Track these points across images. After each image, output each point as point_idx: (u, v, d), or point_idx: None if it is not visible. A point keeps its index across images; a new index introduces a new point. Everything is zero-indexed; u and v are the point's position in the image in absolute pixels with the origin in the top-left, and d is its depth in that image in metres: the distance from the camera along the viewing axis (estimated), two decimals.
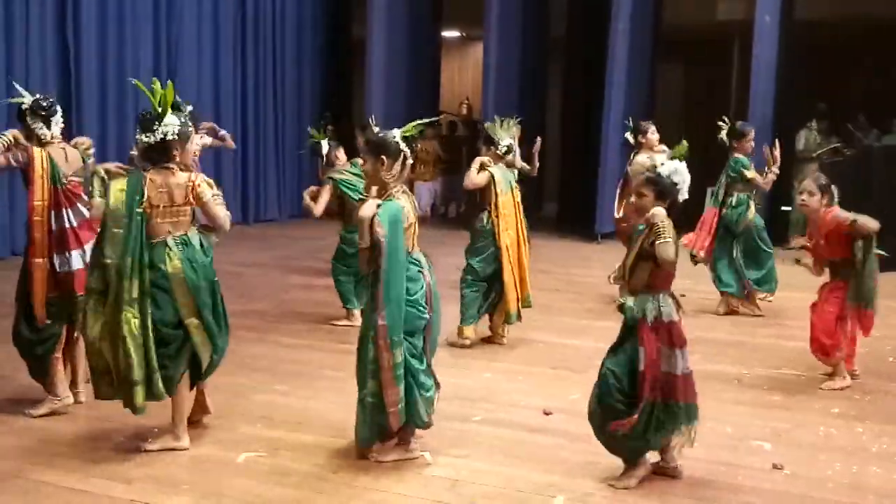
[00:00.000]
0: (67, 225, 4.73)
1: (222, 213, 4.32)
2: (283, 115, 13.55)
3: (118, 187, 4.12)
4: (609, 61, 11.58)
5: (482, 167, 6.16)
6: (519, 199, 6.32)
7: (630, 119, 8.35)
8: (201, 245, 4.28)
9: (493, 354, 6.19)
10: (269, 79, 13.26)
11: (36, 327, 4.74)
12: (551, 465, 4.22)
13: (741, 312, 7.46)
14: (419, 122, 4.29)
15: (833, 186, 5.43)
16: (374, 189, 4.23)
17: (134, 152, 4.24)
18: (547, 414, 4.93)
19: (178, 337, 4.19)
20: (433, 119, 4.47)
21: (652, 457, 4.10)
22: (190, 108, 4.38)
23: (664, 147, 7.49)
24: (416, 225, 4.23)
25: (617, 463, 4.09)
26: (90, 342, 4.17)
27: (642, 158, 7.10)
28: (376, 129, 4.44)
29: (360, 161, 6.28)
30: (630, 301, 3.93)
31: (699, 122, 14.62)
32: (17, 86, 5.00)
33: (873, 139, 11.20)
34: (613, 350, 4.03)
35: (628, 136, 7.98)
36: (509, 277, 6.19)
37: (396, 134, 4.17)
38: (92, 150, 5.00)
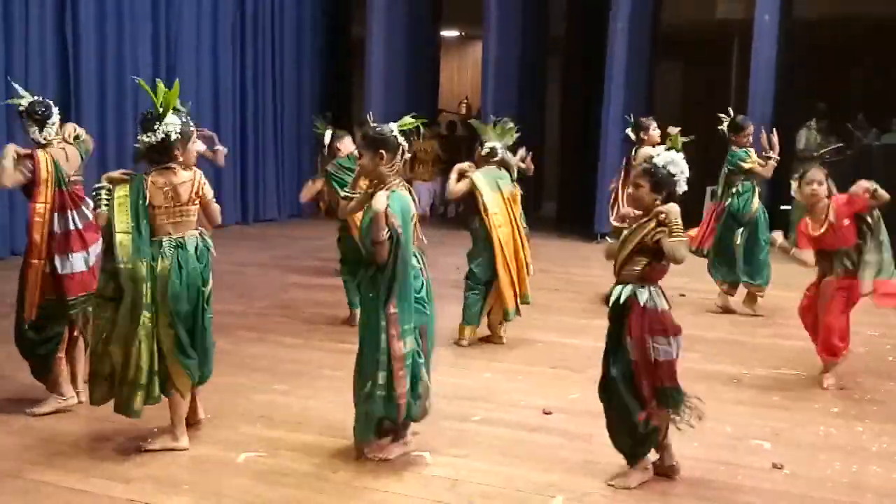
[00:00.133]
0: (72, 227, 4.73)
1: (218, 209, 4.42)
2: (283, 114, 13.55)
3: (121, 193, 4.12)
4: (608, 60, 11.58)
5: (461, 175, 6.18)
6: (516, 196, 6.32)
7: (631, 115, 8.34)
8: (196, 249, 4.25)
9: (492, 354, 6.19)
10: (269, 79, 13.25)
11: (39, 327, 4.74)
12: (551, 464, 4.22)
13: (740, 312, 7.46)
14: (415, 116, 4.29)
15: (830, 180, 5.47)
16: (361, 183, 4.27)
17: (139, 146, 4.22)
18: (546, 413, 4.92)
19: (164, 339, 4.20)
20: (430, 120, 4.45)
21: (650, 456, 4.10)
22: (184, 109, 4.37)
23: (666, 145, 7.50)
24: (417, 220, 4.25)
25: (616, 461, 4.09)
26: (95, 347, 4.17)
27: (645, 153, 7.08)
28: (373, 125, 4.40)
29: (356, 155, 6.30)
30: (621, 290, 3.92)
31: (698, 121, 14.62)
32: (16, 86, 4.99)
33: (873, 138, 11.21)
34: (612, 352, 3.98)
35: (629, 132, 7.98)
36: (504, 275, 6.19)
37: (394, 128, 4.18)
38: (83, 136, 4.97)
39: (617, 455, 4.09)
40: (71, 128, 4.95)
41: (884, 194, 5.25)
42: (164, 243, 4.16)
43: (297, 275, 8.88)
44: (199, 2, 11.92)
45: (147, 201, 4.10)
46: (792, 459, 4.32)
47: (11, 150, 4.65)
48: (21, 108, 4.75)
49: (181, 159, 4.21)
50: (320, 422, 4.69)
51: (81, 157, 4.89)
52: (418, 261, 4.23)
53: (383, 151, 4.09)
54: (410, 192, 4.22)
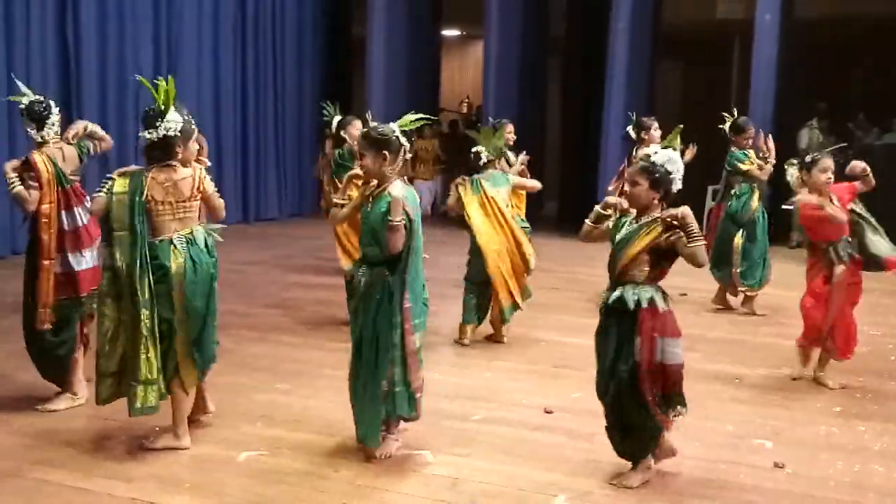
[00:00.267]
0: (80, 224, 4.76)
1: (222, 204, 4.43)
2: (284, 114, 13.54)
3: (119, 189, 4.11)
4: (609, 60, 11.58)
5: (455, 190, 6.34)
6: (500, 195, 6.29)
7: (633, 113, 8.33)
8: (206, 244, 4.28)
9: (494, 353, 6.19)
10: (270, 78, 13.25)
11: (58, 328, 4.76)
12: (552, 463, 4.21)
13: (741, 312, 7.46)
14: (415, 116, 4.27)
15: None
16: (351, 189, 4.25)
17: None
18: (548, 412, 4.92)
19: (172, 336, 4.19)
20: (431, 118, 4.43)
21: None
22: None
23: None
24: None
25: (617, 460, 4.09)
26: (102, 344, 4.17)
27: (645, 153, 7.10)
28: (373, 124, 4.38)
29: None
30: (628, 291, 3.87)
31: (699, 121, 14.63)
32: (20, 83, 4.98)
33: (874, 138, 11.20)
34: (617, 353, 3.92)
35: (630, 130, 7.98)
36: (496, 273, 6.18)
37: (395, 128, 4.17)
38: (99, 134, 4.97)
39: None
40: (81, 127, 4.95)
41: (871, 179, 5.39)
42: (174, 241, 4.16)
43: (297, 274, 8.88)
44: (200, 2, 11.92)
45: (145, 198, 4.09)
46: (793, 458, 4.32)
47: (9, 170, 4.64)
48: (21, 107, 4.76)
49: (181, 157, 4.21)
50: (321, 421, 4.69)
51: (81, 159, 4.89)
52: None
53: (386, 152, 4.08)
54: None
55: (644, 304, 3.84)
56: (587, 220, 4.11)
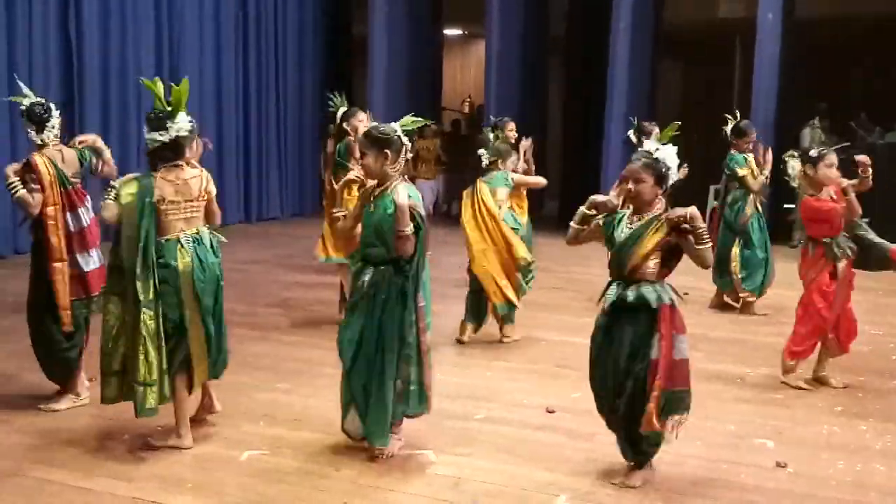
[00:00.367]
0: (85, 224, 4.80)
1: (219, 210, 4.47)
2: (285, 114, 13.55)
3: (128, 191, 4.11)
4: (610, 59, 11.58)
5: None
6: (497, 195, 6.29)
7: (634, 118, 8.34)
8: (211, 244, 4.30)
9: (495, 353, 6.19)
10: (271, 77, 13.26)
11: (69, 332, 4.78)
12: (554, 463, 4.21)
13: (743, 312, 7.46)
14: (417, 119, 4.27)
15: None
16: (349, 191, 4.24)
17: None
18: (550, 412, 4.92)
19: (177, 335, 4.20)
20: (430, 121, 4.41)
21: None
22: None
23: None
24: None
25: (618, 460, 4.09)
26: (105, 345, 4.18)
27: None
28: (376, 124, 4.37)
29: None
30: (647, 289, 3.84)
31: (700, 120, 14.63)
32: (22, 84, 4.98)
33: (876, 137, 11.19)
34: (632, 356, 3.86)
35: (631, 134, 7.98)
36: (481, 272, 6.20)
37: (397, 127, 4.17)
38: (98, 144, 4.98)
39: (619, 453, 4.08)
40: (91, 139, 5.00)
41: (869, 180, 5.46)
42: (181, 240, 4.18)
43: (299, 273, 8.88)
44: (202, 2, 11.93)
45: (155, 199, 4.10)
46: (795, 458, 4.32)
47: (11, 173, 4.63)
48: (22, 108, 4.76)
49: (188, 156, 4.23)
50: (322, 420, 4.69)
51: (81, 162, 4.89)
52: None
53: (388, 151, 4.08)
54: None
55: (666, 301, 3.84)
56: (572, 223, 4.02)
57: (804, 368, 5.58)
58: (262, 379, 5.44)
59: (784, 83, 11.29)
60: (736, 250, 7.41)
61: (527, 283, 6.43)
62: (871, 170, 5.39)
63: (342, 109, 6.84)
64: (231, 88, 12.51)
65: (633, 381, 3.85)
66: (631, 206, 3.98)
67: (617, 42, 11.52)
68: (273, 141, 13.39)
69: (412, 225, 4.01)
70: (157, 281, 4.10)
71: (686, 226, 3.76)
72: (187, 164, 4.26)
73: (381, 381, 4.11)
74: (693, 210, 3.77)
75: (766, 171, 7.37)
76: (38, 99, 4.84)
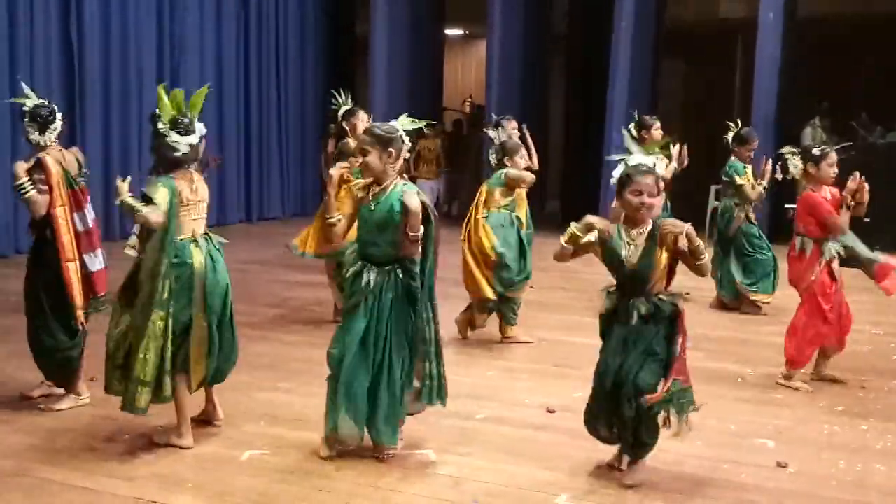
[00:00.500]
0: (91, 225, 4.82)
1: None
2: (287, 113, 13.57)
3: (162, 193, 4.10)
4: (611, 59, 11.59)
5: None
6: (493, 194, 6.32)
7: (636, 111, 8.33)
8: (216, 245, 4.34)
9: (495, 352, 6.19)
10: (272, 78, 13.27)
11: (73, 332, 4.78)
12: (554, 462, 4.22)
13: (743, 311, 7.46)
14: (417, 121, 4.25)
15: None
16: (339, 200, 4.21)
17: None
18: (550, 412, 4.92)
19: (184, 335, 4.22)
20: (430, 122, 4.40)
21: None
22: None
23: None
24: None
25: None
26: (111, 335, 4.19)
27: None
28: (377, 123, 4.34)
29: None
30: (670, 299, 3.89)
31: (702, 120, 14.62)
32: (25, 86, 4.98)
33: (878, 136, 11.19)
34: (654, 358, 3.88)
35: (631, 128, 7.97)
36: (464, 267, 6.29)
37: (398, 125, 4.17)
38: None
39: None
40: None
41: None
42: (198, 240, 4.23)
43: (300, 273, 8.88)
44: (203, 2, 11.94)
45: (177, 199, 4.14)
46: (796, 458, 4.32)
47: (22, 172, 4.62)
48: (25, 109, 4.75)
49: None
50: (323, 420, 4.68)
51: (80, 165, 4.90)
52: None
53: (391, 149, 4.08)
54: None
55: (681, 305, 3.91)
56: (563, 241, 3.94)
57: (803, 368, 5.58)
58: (262, 379, 5.45)
59: (785, 83, 11.29)
60: (733, 258, 7.41)
61: (516, 307, 6.37)
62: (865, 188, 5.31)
63: (344, 108, 6.84)
64: (232, 88, 12.52)
65: (645, 380, 3.85)
66: (623, 220, 3.96)
67: (618, 41, 11.53)
68: (274, 140, 13.40)
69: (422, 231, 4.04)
70: (172, 281, 4.12)
71: (683, 247, 3.77)
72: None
73: (390, 381, 4.12)
74: (689, 229, 3.77)
75: (765, 183, 7.34)
76: (42, 101, 4.84)
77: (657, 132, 7.69)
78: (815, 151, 5.36)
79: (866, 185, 5.23)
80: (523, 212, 6.66)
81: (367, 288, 4.09)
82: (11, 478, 3.96)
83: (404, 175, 4.24)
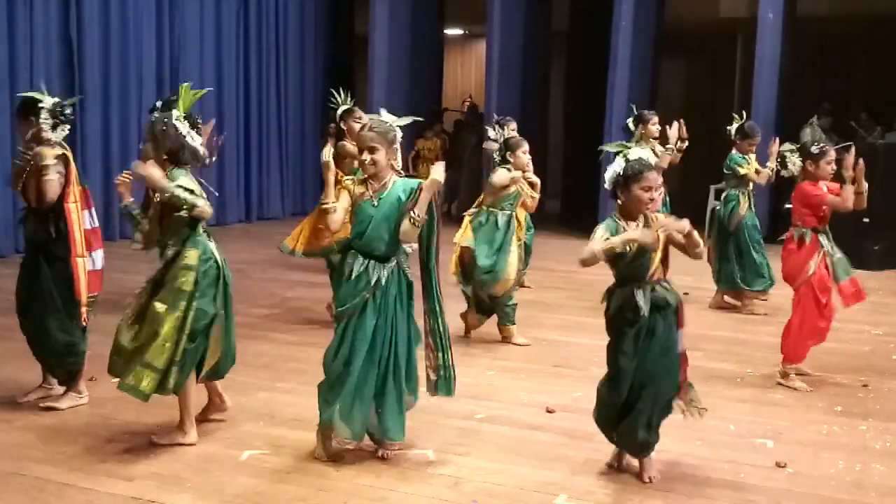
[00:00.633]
0: (95, 224, 4.86)
1: None
2: (286, 113, 13.57)
3: (195, 183, 4.15)
4: (612, 58, 11.58)
5: None
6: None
7: (634, 106, 8.33)
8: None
9: (495, 352, 6.19)
10: (272, 76, 13.27)
11: (83, 329, 4.81)
12: (554, 462, 4.22)
13: (742, 311, 7.46)
14: (406, 117, 4.26)
15: None
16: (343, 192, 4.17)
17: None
18: (549, 412, 4.92)
19: (205, 331, 4.25)
20: (418, 118, 4.38)
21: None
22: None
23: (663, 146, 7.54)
24: None
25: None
26: (126, 318, 4.19)
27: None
28: (367, 118, 4.29)
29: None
30: (671, 287, 3.95)
31: (702, 119, 14.59)
32: (42, 87, 4.95)
33: (877, 136, 11.18)
34: (665, 352, 3.93)
35: (629, 122, 7.97)
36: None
37: (392, 120, 4.17)
38: None
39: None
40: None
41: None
42: (210, 235, 4.32)
43: (300, 273, 8.87)
44: (202, 1, 11.94)
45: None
46: (795, 458, 4.32)
47: (51, 155, 4.63)
48: (41, 106, 4.70)
49: None
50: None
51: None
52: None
53: (395, 145, 4.11)
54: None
55: (680, 297, 3.99)
56: (597, 249, 3.80)
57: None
58: (261, 378, 5.45)
59: (784, 82, 11.30)
60: (731, 250, 7.41)
61: (509, 308, 6.36)
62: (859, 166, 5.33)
63: (343, 107, 6.84)
64: (232, 87, 12.52)
65: (662, 376, 3.92)
66: (619, 212, 3.97)
67: (619, 40, 11.52)
68: (274, 140, 13.40)
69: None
70: (200, 275, 4.17)
71: (681, 238, 3.85)
72: None
73: (396, 376, 4.13)
74: (687, 225, 3.81)
75: (771, 164, 7.30)
76: (58, 99, 4.86)
77: (654, 127, 7.69)
78: (814, 149, 5.39)
79: (861, 163, 5.26)
80: (522, 213, 6.65)
81: (378, 284, 4.05)
82: (10, 477, 3.95)
83: (401, 172, 4.25)
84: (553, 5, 13.90)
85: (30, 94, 4.82)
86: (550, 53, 14.15)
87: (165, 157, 4.21)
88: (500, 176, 6.20)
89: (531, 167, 6.47)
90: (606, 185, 4.05)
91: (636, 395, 3.93)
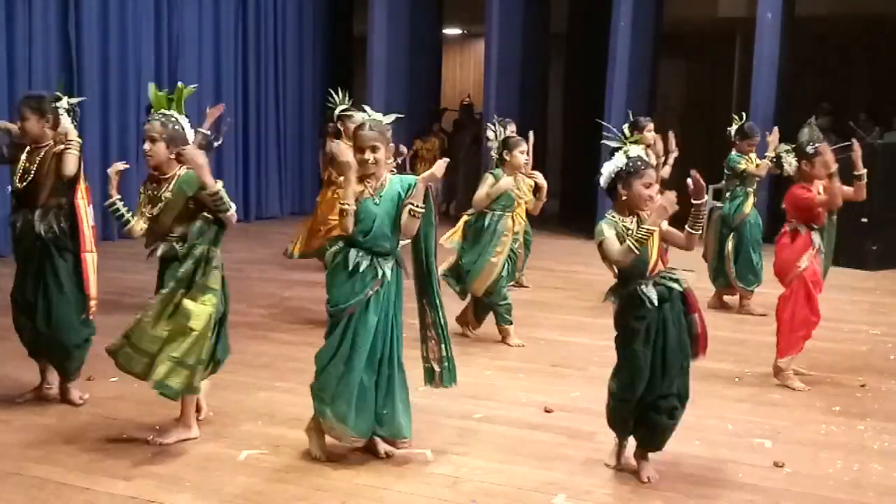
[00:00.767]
0: (95, 221, 4.88)
1: None
2: (285, 112, 13.56)
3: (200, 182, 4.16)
4: (610, 59, 11.58)
5: None
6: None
7: (630, 112, 8.34)
8: None
9: (494, 352, 6.20)
10: (270, 76, 13.27)
11: (91, 323, 4.85)
12: (552, 462, 4.22)
13: (741, 311, 7.47)
14: (391, 115, 4.25)
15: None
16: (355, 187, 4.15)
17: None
18: (548, 411, 4.92)
19: (216, 330, 4.30)
20: (400, 115, 4.38)
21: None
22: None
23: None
24: None
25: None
26: (150, 316, 4.15)
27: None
28: (359, 116, 4.24)
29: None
30: (678, 275, 3.97)
31: (700, 119, 14.62)
32: (60, 94, 4.96)
33: (876, 137, 11.19)
34: (681, 346, 3.97)
35: (625, 128, 7.97)
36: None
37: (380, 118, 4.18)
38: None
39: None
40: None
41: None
42: None
43: (299, 272, 8.88)
44: (201, 1, 11.94)
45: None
46: (793, 458, 4.32)
47: (73, 131, 4.73)
48: (63, 106, 4.77)
49: None
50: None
51: None
52: None
53: (391, 143, 4.13)
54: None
55: (686, 283, 4.01)
56: (628, 247, 3.78)
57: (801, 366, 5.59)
58: (261, 378, 5.45)
59: (783, 82, 11.30)
60: (730, 247, 7.42)
61: (502, 307, 6.37)
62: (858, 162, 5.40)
63: (341, 107, 6.84)
64: (231, 87, 12.52)
65: (683, 360, 3.98)
66: (617, 209, 3.99)
67: (617, 40, 11.52)
68: (272, 139, 13.40)
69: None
70: (221, 271, 4.27)
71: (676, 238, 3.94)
72: None
73: (400, 372, 4.15)
74: (673, 199, 3.81)
75: (770, 153, 7.30)
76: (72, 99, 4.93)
77: (650, 134, 7.71)
78: (809, 149, 5.42)
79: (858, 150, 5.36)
80: (522, 210, 6.65)
81: (384, 279, 4.04)
82: (9, 477, 3.95)
83: (394, 169, 4.27)
84: (552, 7, 13.90)
85: (40, 92, 4.88)
86: (549, 55, 14.15)
87: (174, 156, 4.22)
88: (477, 196, 6.28)
89: (531, 166, 6.49)
90: (602, 182, 4.05)
91: (656, 391, 3.92)
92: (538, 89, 13.54)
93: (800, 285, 5.41)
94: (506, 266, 6.32)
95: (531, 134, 7.09)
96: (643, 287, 3.88)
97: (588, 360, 5.90)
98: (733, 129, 7.58)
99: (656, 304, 3.87)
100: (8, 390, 5.04)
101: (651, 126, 7.75)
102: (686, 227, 3.89)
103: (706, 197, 4.01)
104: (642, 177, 3.90)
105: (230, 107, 12.44)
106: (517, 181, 6.34)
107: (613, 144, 4.19)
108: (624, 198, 3.94)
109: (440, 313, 4.21)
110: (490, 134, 6.55)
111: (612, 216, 3.95)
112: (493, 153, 6.38)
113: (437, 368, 4.25)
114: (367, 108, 4.28)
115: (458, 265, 6.34)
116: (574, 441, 4.48)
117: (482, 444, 4.44)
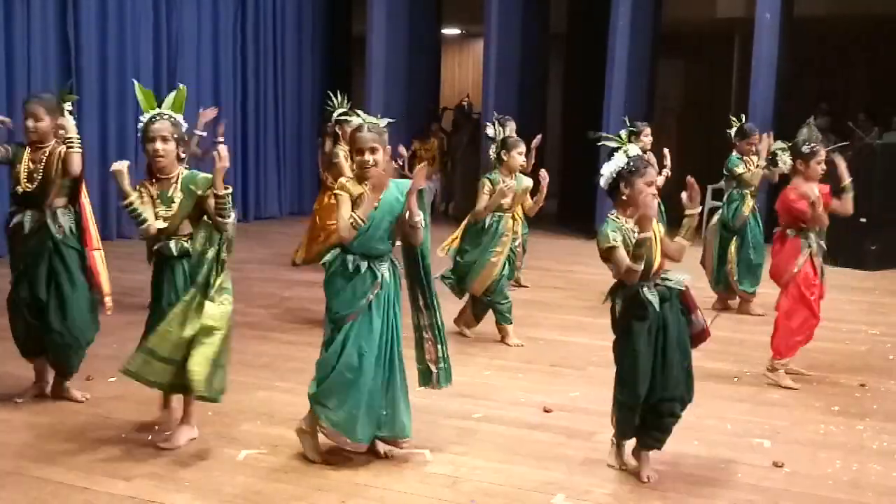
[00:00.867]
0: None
1: None
2: (284, 112, 13.55)
3: (207, 182, 4.22)
4: (609, 58, 11.58)
5: None
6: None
7: (627, 117, 8.36)
8: None
9: (493, 352, 6.20)
10: (269, 77, 13.26)
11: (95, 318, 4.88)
12: (551, 462, 4.22)
13: (741, 311, 7.47)
14: (384, 118, 4.24)
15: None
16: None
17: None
18: (547, 411, 4.93)
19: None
20: (392, 119, 4.37)
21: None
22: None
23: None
24: None
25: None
26: (171, 325, 4.14)
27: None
28: (358, 119, 4.23)
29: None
30: (677, 275, 3.99)
31: (699, 119, 14.63)
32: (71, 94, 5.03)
33: (874, 137, 11.20)
34: (682, 345, 4.00)
35: (623, 133, 7.98)
36: None
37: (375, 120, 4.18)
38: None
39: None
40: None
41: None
42: None
43: (299, 272, 8.88)
44: (200, 1, 11.93)
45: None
46: (792, 458, 4.33)
47: (73, 128, 4.73)
48: (70, 109, 4.82)
49: None
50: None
51: None
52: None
53: (388, 145, 4.13)
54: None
55: (685, 283, 4.03)
56: (633, 264, 3.79)
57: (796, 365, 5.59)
58: (260, 378, 5.45)
59: (782, 83, 11.31)
60: (733, 249, 7.42)
61: (502, 307, 6.37)
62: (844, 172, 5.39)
63: (339, 110, 6.85)
64: (229, 87, 12.51)
65: (683, 358, 4.00)
66: (618, 209, 3.99)
67: (616, 40, 11.52)
68: (271, 140, 13.40)
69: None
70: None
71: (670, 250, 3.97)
72: None
73: (402, 374, 4.15)
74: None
75: (761, 161, 7.31)
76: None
77: (647, 138, 7.73)
78: (805, 149, 5.43)
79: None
80: (519, 209, 6.65)
81: (384, 281, 4.04)
82: (8, 476, 3.95)
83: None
84: (551, 7, 13.91)
85: (48, 92, 4.92)
86: (548, 55, 14.15)
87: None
88: (477, 209, 6.26)
89: (530, 167, 6.48)
90: (603, 183, 4.05)
91: (657, 393, 3.92)
92: (537, 89, 13.54)
93: (794, 289, 5.43)
94: (505, 265, 6.32)
95: (538, 138, 7.09)
96: (645, 290, 3.88)
97: (587, 359, 5.90)
98: (733, 131, 7.59)
99: (658, 308, 3.88)
100: (8, 389, 5.04)
101: (648, 131, 7.79)
102: (678, 237, 3.92)
103: (699, 207, 3.99)
104: (644, 175, 3.91)
105: (229, 107, 12.46)
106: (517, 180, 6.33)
107: (612, 144, 4.19)
108: (626, 197, 3.94)
109: (437, 314, 4.21)
110: (490, 132, 6.55)
111: (615, 217, 3.95)
112: (491, 153, 6.38)
113: (433, 370, 4.25)
114: (359, 112, 4.29)
115: (458, 265, 6.34)
116: (573, 441, 4.48)
117: (481, 444, 4.44)
